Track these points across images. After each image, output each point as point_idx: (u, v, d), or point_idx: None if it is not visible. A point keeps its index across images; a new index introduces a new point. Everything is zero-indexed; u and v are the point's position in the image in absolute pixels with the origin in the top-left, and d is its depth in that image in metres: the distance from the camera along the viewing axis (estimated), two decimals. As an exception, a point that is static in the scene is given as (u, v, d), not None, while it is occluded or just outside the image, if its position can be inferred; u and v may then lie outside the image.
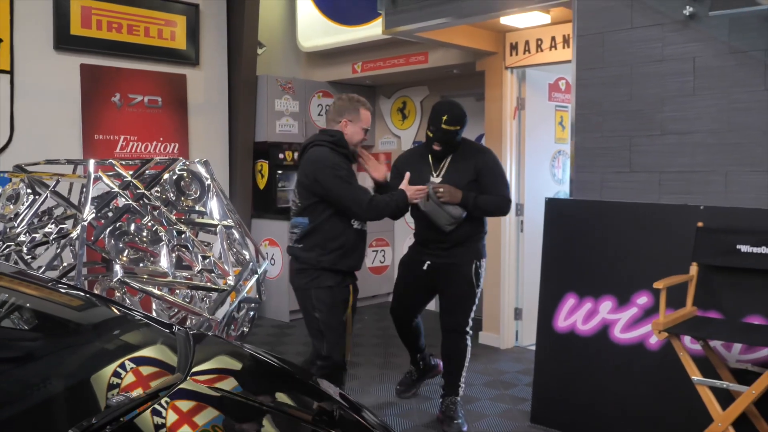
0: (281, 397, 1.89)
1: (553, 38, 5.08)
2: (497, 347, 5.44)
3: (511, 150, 5.42)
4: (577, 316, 3.65)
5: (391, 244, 7.20)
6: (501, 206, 3.75)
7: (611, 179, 3.66)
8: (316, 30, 6.76)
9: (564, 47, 4.97)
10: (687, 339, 3.13)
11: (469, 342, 3.84)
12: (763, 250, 3.00)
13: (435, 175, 3.76)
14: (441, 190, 3.61)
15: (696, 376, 2.86)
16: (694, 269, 3.15)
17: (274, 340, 5.73)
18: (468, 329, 3.82)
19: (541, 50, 5.17)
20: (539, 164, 5.56)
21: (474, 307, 3.80)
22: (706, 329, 2.99)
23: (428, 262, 3.81)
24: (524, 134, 5.46)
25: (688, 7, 3.31)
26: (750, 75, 3.16)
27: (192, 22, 6.16)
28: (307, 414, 1.87)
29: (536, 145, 5.53)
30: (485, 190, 3.70)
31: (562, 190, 5.63)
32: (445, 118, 3.59)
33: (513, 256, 5.45)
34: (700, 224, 3.19)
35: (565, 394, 3.70)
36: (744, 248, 3.04)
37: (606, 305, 3.54)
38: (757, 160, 3.16)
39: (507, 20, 4.79)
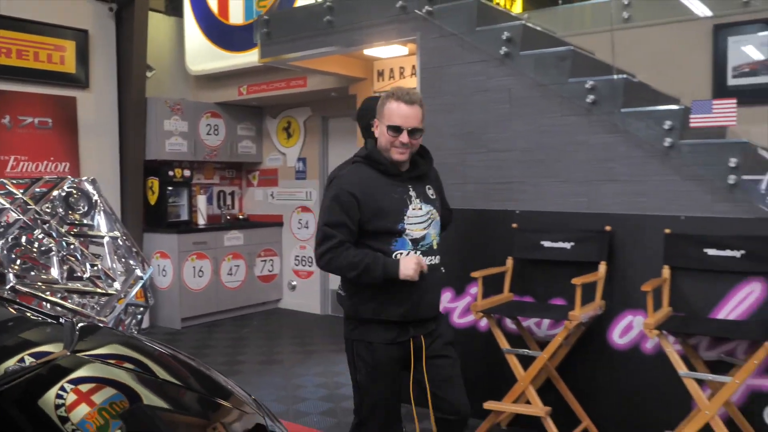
0: (174, 376, 2.07)
1: (413, 66, 5.75)
2: (371, 343, 6.04)
3: (380, 165, 6.05)
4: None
5: (278, 254, 7.68)
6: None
7: (450, 189, 4.29)
8: (203, 55, 7.21)
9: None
10: (507, 321, 3.81)
11: None
12: (560, 245, 3.72)
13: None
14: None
15: (504, 346, 3.54)
16: (509, 262, 3.84)
17: (165, 346, 6.12)
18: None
19: (404, 77, 5.84)
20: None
21: None
22: (518, 310, 3.68)
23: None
24: (392, 151, 6.10)
25: (503, 47, 4.02)
26: (550, 104, 3.89)
27: (81, 46, 6.49)
28: (199, 390, 2.08)
29: (403, 160, 6.18)
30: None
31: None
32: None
33: (384, 260, 6.07)
34: (514, 225, 3.89)
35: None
36: (547, 244, 3.76)
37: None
38: (557, 172, 3.88)
39: (370, 51, 5.41)
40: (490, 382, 3.96)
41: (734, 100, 3.35)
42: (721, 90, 4.42)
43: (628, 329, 3.64)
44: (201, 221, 7.37)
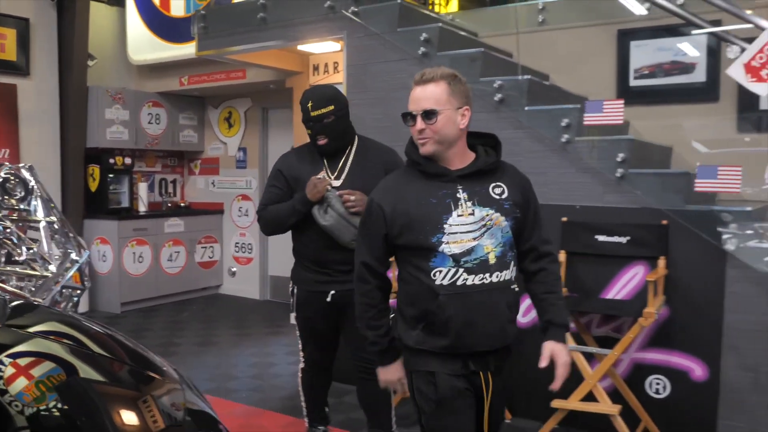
0: (108, 351, 2.18)
1: (346, 62, 6.02)
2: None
3: (315, 156, 6.31)
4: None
5: (219, 241, 7.89)
6: None
7: (373, 180, 4.61)
8: (144, 45, 7.34)
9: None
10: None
11: None
12: (469, 231, 4.04)
13: (333, 177, 3.06)
14: (353, 198, 2.95)
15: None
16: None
17: (104, 329, 6.29)
18: None
19: (337, 71, 6.10)
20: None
21: None
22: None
23: (332, 292, 3.07)
24: (327, 142, 6.36)
25: (422, 47, 4.32)
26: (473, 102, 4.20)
27: (22, 34, 6.57)
28: (132, 364, 2.20)
29: (338, 151, 6.45)
30: None
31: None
32: (310, 105, 3.02)
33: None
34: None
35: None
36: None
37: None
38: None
39: (304, 47, 5.66)
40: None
41: (621, 101, 3.73)
42: (624, 90, 4.81)
43: (529, 309, 3.98)
44: (142, 208, 7.52)
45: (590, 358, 3.69)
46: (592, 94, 4.81)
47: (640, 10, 4.76)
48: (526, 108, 4.02)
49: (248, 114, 7.70)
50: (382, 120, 4.52)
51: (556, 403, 3.57)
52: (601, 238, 3.79)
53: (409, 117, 2.20)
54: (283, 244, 7.23)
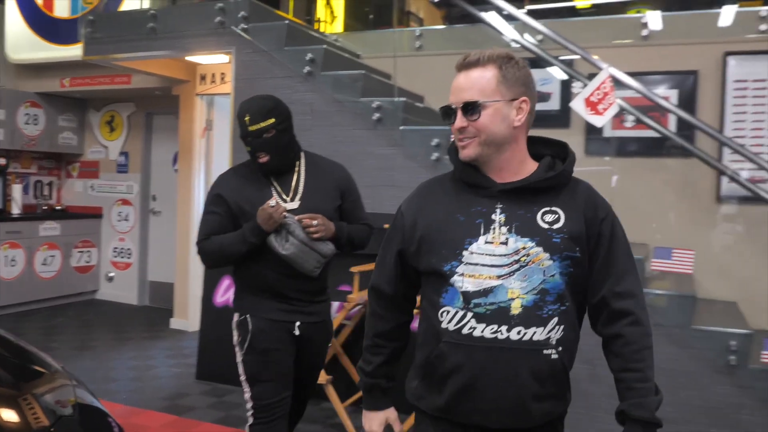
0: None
1: (234, 74, 6.21)
2: (185, 330, 6.41)
3: (200, 164, 6.45)
4: (230, 293, 4.78)
5: (97, 245, 7.80)
6: (368, 238, 2.88)
7: (257, 189, 4.85)
8: (24, 44, 7.19)
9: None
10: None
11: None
12: (347, 239, 4.36)
13: (288, 199, 2.70)
14: (315, 223, 2.62)
15: None
16: None
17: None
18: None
19: (225, 82, 6.28)
20: (225, 176, 6.65)
21: None
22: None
23: (298, 323, 2.70)
24: (212, 151, 6.52)
25: (307, 66, 4.62)
26: (345, 118, 4.53)
27: None
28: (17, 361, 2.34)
29: (223, 159, 6.61)
30: (349, 216, 2.84)
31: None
32: (247, 118, 2.68)
33: (201, 252, 6.46)
34: None
35: (223, 354, 4.77)
36: (336, 238, 4.38)
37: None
38: (360, 177, 4.53)
39: (192, 57, 5.81)
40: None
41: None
42: (489, 114, 5.29)
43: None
44: (15, 210, 7.33)
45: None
46: (462, 117, 5.28)
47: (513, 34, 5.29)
48: (401, 127, 4.41)
49: (131, 118, 7.69)
50: (268, 132, 4.77)
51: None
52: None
53: (448, 112, 1.73)
54: (163, 249, 7.31)
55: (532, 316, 1.61)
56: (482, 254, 1.65)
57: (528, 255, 1.63)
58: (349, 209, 2.85)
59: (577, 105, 3.72)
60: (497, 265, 1.63)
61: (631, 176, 4.87)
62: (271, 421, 2.66)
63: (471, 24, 5.28)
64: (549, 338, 1.62)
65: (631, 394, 1.64)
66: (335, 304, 4.48)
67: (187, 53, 5.28)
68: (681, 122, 4.53)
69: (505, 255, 1.64)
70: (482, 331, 1.62)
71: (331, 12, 8.06)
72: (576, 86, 4.29)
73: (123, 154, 7.73)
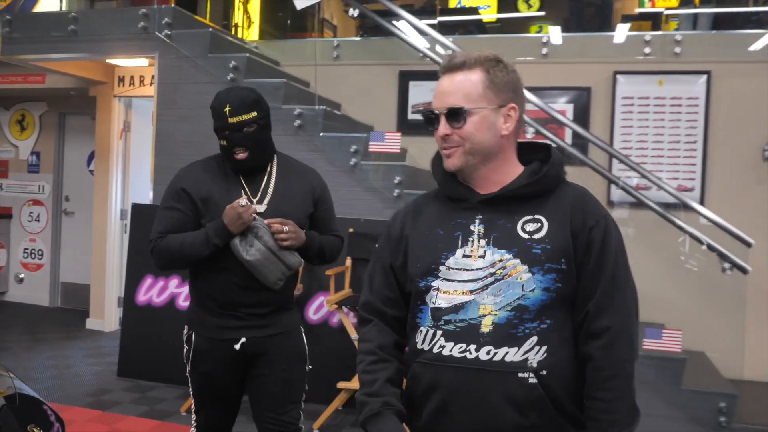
0: None
1: (153, 76, 6.28)
2: (102, 330, 6.42)
3: (117, 165, 6.49)
4: (152, 291, 4.90)
5: (6, 246, 7.66)
6: (338, 250, 2.68)
7: (180, 190, 4.99)
8: (-71, 39, 7.01)
9: (162, 85, 6.22)
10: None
11: None
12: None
13: (255, 201, 2.46)
14: (286, 229, 2.38)
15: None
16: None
17: None
18: (301, 424, 2.57)
19: (144, 85, 6.36)
20: (142, 177, 6.71)
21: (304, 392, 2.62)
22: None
23: (243, 339, 2.43)
24: (130, 152, 6.57)
25: (230, 74, 4.81)
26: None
27: None
28: None
29: (140, 161, 6.67)
30: (320, 226, 2.60)
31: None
32: (228, 109, 2.42)
33: (117, 253, 6.50)
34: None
35: (145, 351, 4.89)
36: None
37: (173, 282, 4.85)
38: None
39: (112, 60, 5.87)
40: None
41: (399, 133, 4.52)
42: (403, 122, 5.63)
43: (320, 308, 4.61)
44: None
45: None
46: (377, 124, 5.60)
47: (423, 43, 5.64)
48: (321, 134, 4.67)
49: (44, 118, 7.60)
50: (192, 135, 4.94)
51: (340, 385, 4.20)
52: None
53: (430, 118, 1.60)
54: (77, 250, 7.26)
55: (504, 334, 1.46)
56: (459, 269, 1.53)
57: (504, 268, 1.49)
58: (321, 218, 2.59)
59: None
60: (472, 280, 1.51)
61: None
62: None
63: (386, 37, 5.58)
64: (526, 359, 1.45)
65: (593, 425, 1.47)
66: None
67: (109, 56, 5.37)
68: (576, 133, 4.99)
69: (481, 269, 1.51)
70: (451, 350, 1.49)
71: (248, 17, 8.21)
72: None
73: (34, 153, 7.62)
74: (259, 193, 2.47)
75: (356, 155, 4.59)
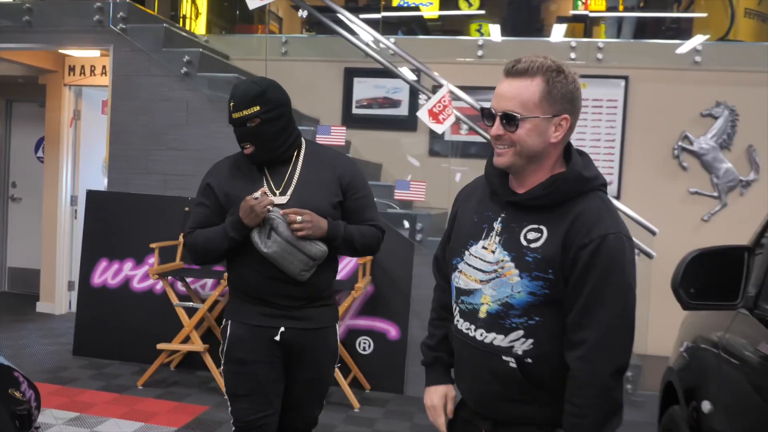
0: None
1: (104, 66, 6.47)
2: (53, 313, 6.59)
3: (68, 152, 6.64)
4: (107, 274, 5.13)
5: (-49, 232, 7.70)
6: (376, 241, 2.56)
7: (134, 178, 5.23)
8: None
9: (113, 75, 6.40)
10: (178, 284, 4.86)
11: None
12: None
13: (278, 192, 2.45)
14: (299, 218, 2.34)
15: (175, 301, 4.58)
16: (181, 237, 4.87)
17: None
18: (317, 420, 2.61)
19: (94, 74, 6.52)
20: (92, 165, 6.88)
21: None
22: (183, 273, 4.76)
23: (282, 329, 2.42)
24: (80, 140, 6.73)
25: (184, 67, 5.07)
26: (219, 116, 5.03)
27: None
28: None
29: (90, 149, 6.83)
30: (352, 215, 2.52)
31: (111, 187, 7.04)
32: (232, 104, 2.41)
33: (68, 239, 6.66)
34: (186, 209, 4.92)
35: (100, 330, 5.13)
36: (211, 224, 4.89)
37: (128, 265, 5.10)
38: (223, 170, 5.05)
39: (66, 51, 6.03)
40: (163, 332, 4.89)
41: (344, 127, 4.88)
42: (348, 117, 5.98)
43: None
44: None
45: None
46: (323, 118, 5.94)
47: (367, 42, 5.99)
48: (272, 126, 4.97)
49: (-11, 105, 7.65)
50: (147, 126, 5.19)
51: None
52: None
53: (487, 115, 1.69)
54: (25, 236, 7.36)
55: (494, 323, 1.67)
56: (476, 257, 1.71)
57: (503, 268, 1.66)
58: (354, 207, 2.50)
59: (422, 115, 4.48)
60: (483, 270, 1.69)
61: (469, 173, 5.73)
62: None
63: (332, 35, 5.90)
64: (512, 347, 1.65)
65: (566, 425, 1.62)
66: (209, 282, 4.98)
67: (63, 47, 5.54)
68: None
69: (490, 263, 1.68)
70: (461, 326, 1.74)
71: (196, 9, 8.39)
72: (423, 97, 5.07)
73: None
74: (283, 185, 2.45)
75: (304, 147, 4.91)
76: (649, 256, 4.67)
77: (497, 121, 1.64)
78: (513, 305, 1.64)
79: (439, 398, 1.88)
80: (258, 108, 2.36)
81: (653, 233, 4.73)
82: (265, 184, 2.44)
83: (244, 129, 2.39)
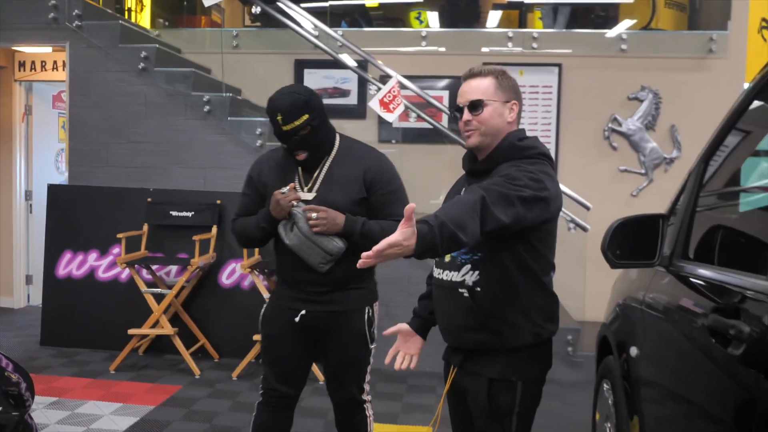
0: None
1: (54, 62, 6.55)
2: (12, 307, 6.67)
3: (20, 148, 6.71)
4: (72, 265, 5.29)
5: None
6: None
7: (95, 171, 5.39)
8: None
9: (64, 69, 6.48)
10: (144, 271, 5.06)
11: (368, 411, 2.83)
12: (184, 213, 5.10)
13: (306, 189, 2.61)
14: (315, 215, 2.50)
15: (143, 288, 4.79)
16: (145, 227, 5.10)
17: None
18: (365, 396, 2.79)
19: (45, 70, 6.60)
20: (45, 159, 6.96)
21: (369, 368, 2.78)
22: (152, 261, 4.97)
23: (303, 312, 2.64)
24: (32, 135, 6.80)
25: (142, 63, 5.24)
26: (178, 109, 5.24)
27: None
28: None
29: (43, 143, 6.91)
30: (377, 211, 2.64)
31: (65, 179, 7.11)
32: (280, 118, 2.49)
33: (23, 233, 6.73)
34: (149, 200, 5.15)
35: (67, 320, 5.29)
36: (174, 213, 5.11)
37: (92, 256, 5.27)
38: (182, 161, 5.26)
39: (19, 47, 6.09)
40: (130, 319, 5.08)
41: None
42: (299, 106, 6.22)
43: (232, 273, 5.18)
44: None
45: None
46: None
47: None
48: (229, 118, 5.21)
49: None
50: (105, 120, 5.36)
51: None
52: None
53: (457, 111, 2.17)
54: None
55: (452, 263, 2.10)
56: None
57: None
58: (378, 203, 2.63)
59: (374, 105, 4.78)
60: None
61: (415, 158, 6.06)
62: (271, 407, 2.72)
63: (281, 28, 6.12)
64: (464, 281, 2.05)
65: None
66: (174, 268, 5.20)
67: (17, 44, 5.62)
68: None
69: None
70: (435, 273, 2.18)
71: (141, 2, 8.47)
72: (372, 87, 5.38)
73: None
74: (311, 181, 2.60)
75: (261, 137, 5.17)
76: (584, 229, 5.10)
77: (465, 111, 2.11)
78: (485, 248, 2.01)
79: (404, 347, 2.35)
80: (307, 117, 2.49)
81: (587, 208, 5.16)
82: (296, 179, 2.62)
83: (296, 138, 2.50)
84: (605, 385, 3.09)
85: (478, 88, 2.11)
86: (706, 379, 1.87)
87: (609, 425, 2.97)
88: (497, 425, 2.08)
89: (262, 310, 2.78)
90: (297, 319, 2.63)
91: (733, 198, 2.54)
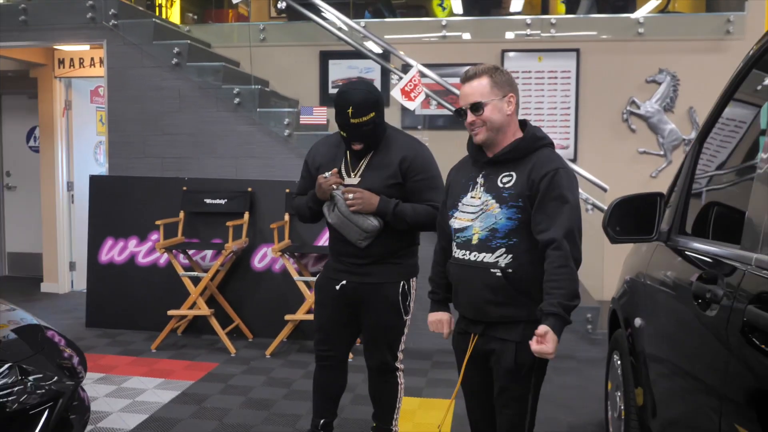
0: None
1: (92, 58, 6.86)
2: (57, 293, 7.03)
3: (62, 141, 7.04)
4: (114, 251, 5.60)
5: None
6: (429, 219, 2.89)
7: (133, 162, 5.68)
8: None
9: (101, 65, 6.79)
10: (181, 256, 5.35)
11: (400, 379, 3.12)
12: (217, 201, 5.36)
13: (353, 175, 2.92)
14: (351, 196, 2.82)
15: (180, 272, 5.07)
16: (181, 214, 5.38)
17: None
18: (398, 364, 3.08)
19: (83, 66, 6.91)
20: (85, 151, 7.29)
21: (403, 338, 3.06)
22: (186, 246, 5.25)
23: (343, 282, 2.97)
24: (72, 128, 7.13)
25: (174, 58, 5.50)
26: (209, 102, 5.49)
27: None
28: None
29: (82, 137, 7.24)
30: (412, 195, 2.93)
31: (104, 170, 7.44)
32: (350, 111, 2.75)
33: (66, 222, 7.08)
34: (185, 188, 5.43)
35: (110, 303, 5.61)
36: (208, 200, 5.38)
37: (132, 242, 5.57)
38: (215, 151, 5.53)
39: (60, 46, 6.40)
40: (168, 301, 5.37)
41: (325, 108, 5.36)
42: (325, 97, 6.45)
43: (264, 257, 5.44)
44: None
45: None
46: (302, 99, 6.40)
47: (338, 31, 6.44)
48: (258, 109, 5.45)
49: (-21, 98, 7.97)
50: (141, 113, 5.64)
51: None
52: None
53: (461, 112, 2.38)
54: (23, 222, 7.75)
55: (483, 246, 2.31)
56: (467, 205, 2.37)
57: (486, 205, 2.31)
58: (413, 188, 2.92)
59: (396, 93, 4.98)
60: (472, 212, 2.35)
61: (437, 144, 6.24)
62: (321, 365, 3.12)
63: (307, 21, 6.34)
64: (497, 262, 2.29)
65: (548, 297, 2.18)
66: (209, 253, 5.47)
67: (58, 44, 5.92)
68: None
69: (477, 206, 2.34)
70: (459, 254, 2.38)
71: (171, -3, 8.73)
72: (394, 77, 5.57)
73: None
74: (358, 168, 2.92)
75: (289, 127, 5.41)
76: (602, 210, 5.26)
77: (468, 112, 2.34)
78: (497, 229, 2.29)
79: (441, 316, 2.60)
80: (374, 114, 2.80)
81: (604, 190, 5.31)
82: (342, 164, 2.95)
83: (359, 131, 2.80)
84: (615, 357, 3.28)
85: (477, 89, 2.33)
86: (693, 345, 2.04)
87: (619, 394, 3.16)
88: (521, 381, 2.34)
89: (316, 278, 3.16)
90: (338, 287, 2.97)
91: (728, 174, 2.70)
